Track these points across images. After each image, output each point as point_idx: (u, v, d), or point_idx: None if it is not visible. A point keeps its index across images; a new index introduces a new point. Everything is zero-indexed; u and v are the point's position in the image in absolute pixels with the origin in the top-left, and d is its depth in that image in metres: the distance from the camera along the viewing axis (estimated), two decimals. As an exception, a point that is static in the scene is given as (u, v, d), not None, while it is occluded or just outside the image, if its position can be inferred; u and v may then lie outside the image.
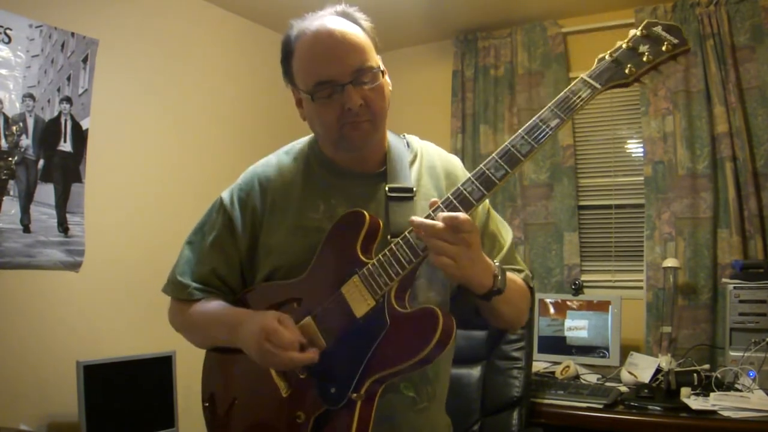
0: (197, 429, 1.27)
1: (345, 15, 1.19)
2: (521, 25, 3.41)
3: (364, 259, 1.11)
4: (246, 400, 1.21)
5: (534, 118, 1.06)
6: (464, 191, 1.06)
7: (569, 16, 3.33)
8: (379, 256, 1.09)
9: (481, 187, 1.05)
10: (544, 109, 1.06)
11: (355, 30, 1.16)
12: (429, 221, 1.03)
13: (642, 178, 3.14)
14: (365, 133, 1.16)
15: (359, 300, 1.08)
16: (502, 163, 1.05)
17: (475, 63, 3.53)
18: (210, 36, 3.19)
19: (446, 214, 1.02)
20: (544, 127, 1.04)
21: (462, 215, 1.02)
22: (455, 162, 1.34)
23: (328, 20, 1.16)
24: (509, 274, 1.18)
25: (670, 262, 2.86)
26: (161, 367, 2.50)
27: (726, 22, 2.90)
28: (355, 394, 1.06)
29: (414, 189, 1.21)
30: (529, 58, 3.39)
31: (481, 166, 1.07)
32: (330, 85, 1.12)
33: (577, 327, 2.98)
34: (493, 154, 1.07)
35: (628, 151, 3.36)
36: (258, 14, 3.35)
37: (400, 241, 1.07)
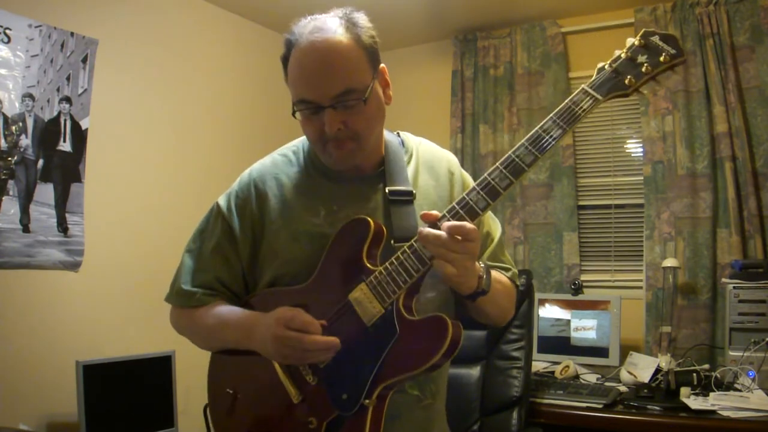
0: (197, 429, 1.27)
1: (347, 21, 1.14)
2: (520, 25, 3.42)
3: (370, 266, 1.12)
4: (256, 406, 1.21)
5: (536, 128, 1.08)
6: (470, 201, 1.07)
7: (569, 16, 3.34)
8: (387, 264, 1.10)
9: (487, 197, 1.06)
10: (546, 119, 1.08)
11: (348, 46, 1.11)
12: (436, 232, 1.04)
13: (641, 178, 3.14)
14: (349, 152, 1.16)
15: (368, 308, 1.10)
16: (507, 174, 1.06)
17: (474, 63, 3.53)
18: (210, 36, 3.19)
19: (453, 223, 1.04)
20: (546, 137, 1.06)
21: (468, 225, 1.04)
22: (451, 158, 1.34)
23: (323, 33, 1.12)
24: (495, 274, 1.19)
25: (669, 262, 2.86)
26: (161, 367, 2.50)
27: (725, 22, 2.90)
28: (367, 401, 1.07)
29: (413, 191, 1.22)
30: (529, 58, 3.39)
31: (485, 175, 1.08)
32: (311, 105, 1.13)
33: (585, 327, 2.97)
34: (497, 164, 1.08)
35: (627, 150, 3.36)
36: (258, 14, 3.35)
37: (407, 249, 1.08)
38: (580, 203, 3.32)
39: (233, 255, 1.25)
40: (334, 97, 1.10)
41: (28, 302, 2.36)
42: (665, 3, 3.05)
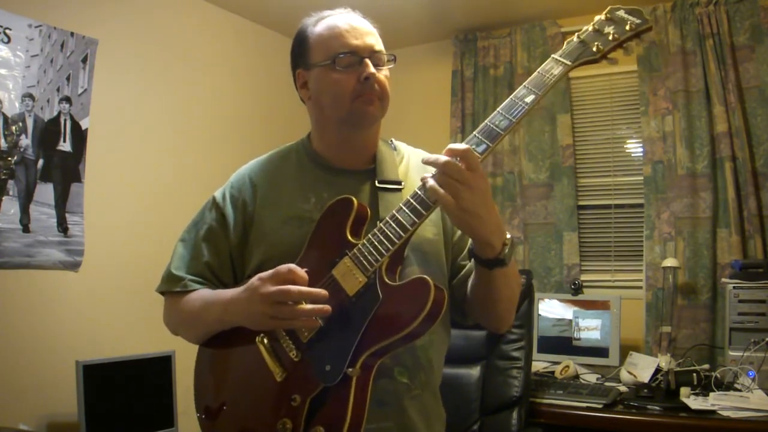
0: (196, 429, 1.27)
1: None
2: (520, 25, 3.42)
3: (353, 241, 1.14)
4: (240, 391, 1.21)
5: (510, 97, 1.12)
6: None
7: (568, 16, 3.33)
8: (368, 236, 1.11)
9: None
10: (519, 88, 1.13)
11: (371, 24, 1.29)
12: (435, 156, 1.07)
13: (641, 178, 3.14)
14: (375, 110, 1.23)
15: (351, 279, 1.10)
16: (483, 138, 1.09)
17: (474, 63, 3.53)
18: (210, 36, 3.19)
19: (451, 145, 1.07)
20: (520, 103, 1.10)
21: (468, 147, 1.06)
22: None
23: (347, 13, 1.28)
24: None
25: (669, 262, 2.86)
26: (160, 367, 2.50)
27: (725, 22, 2.90)
28: (350, 369, 1.06)
29: (402, 182, 1.27)
30: (529, 58, 3.39)
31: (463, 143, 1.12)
32: (351, 56, 1.21)
33: (589, 327, 2.97)
34: (474, 132, 1.11)
35: (627, 150, 3.36)
36: (258, 14, 3.35)
37: (388, 219, 1.10)
38: (580, 203, 3.32)
39: (223, 241, 1.28)
40: (374, 51, 1.24)
41: (28, 302, 2.37)
42: (665, 3, 3.05)
